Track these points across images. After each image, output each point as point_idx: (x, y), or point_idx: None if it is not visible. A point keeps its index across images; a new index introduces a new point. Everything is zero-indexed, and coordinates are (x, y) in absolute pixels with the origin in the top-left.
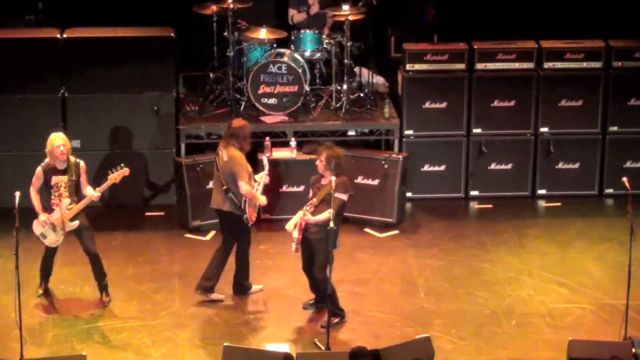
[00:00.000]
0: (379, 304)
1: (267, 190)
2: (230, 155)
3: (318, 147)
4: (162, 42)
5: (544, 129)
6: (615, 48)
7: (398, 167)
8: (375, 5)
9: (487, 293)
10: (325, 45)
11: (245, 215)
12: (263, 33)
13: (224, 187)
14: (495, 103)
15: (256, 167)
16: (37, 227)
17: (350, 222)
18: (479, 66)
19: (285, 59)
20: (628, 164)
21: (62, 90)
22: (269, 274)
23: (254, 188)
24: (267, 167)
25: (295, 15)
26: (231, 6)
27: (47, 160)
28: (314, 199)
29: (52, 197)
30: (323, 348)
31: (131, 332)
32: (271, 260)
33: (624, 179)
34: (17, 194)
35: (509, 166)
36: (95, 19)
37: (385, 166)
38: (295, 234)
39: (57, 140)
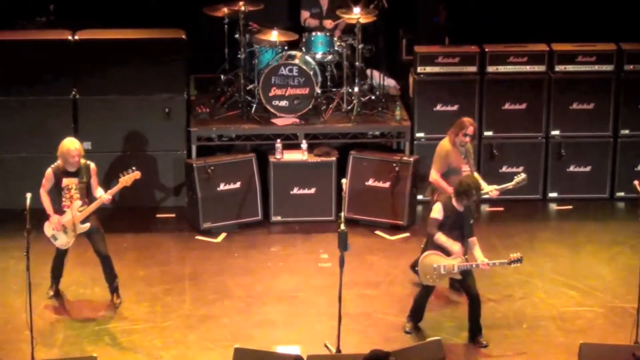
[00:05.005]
0: (390, 307)
1: (277, 191)
2: (439, 143)
3: (329, 150)
4: (174, 44)
5: (556, 132)
6: (626, 51)
7: (409, 170)
8: (386, 8)
9: (498, 296)
10: (336, 48)
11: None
12: (274, 35)
13: None
14: (507, 106)
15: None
16: (48, 229)
17: (361, 224)
18: (491, 69)
19: (297, 61)
20: (639, 167)
21: (73, 92)
22: (279, 276)
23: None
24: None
25: (308, 19)
26: (242, 8)
27: (58, 162)
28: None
29: (63, 199)
30: (334, 350)
31: (142, 334)
32: (282, 262)
33: (635, 182)
34: (28, 195)
35: (521, 169)
36: (107, 21)
37: (397, 169)
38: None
39: (72, 149)
